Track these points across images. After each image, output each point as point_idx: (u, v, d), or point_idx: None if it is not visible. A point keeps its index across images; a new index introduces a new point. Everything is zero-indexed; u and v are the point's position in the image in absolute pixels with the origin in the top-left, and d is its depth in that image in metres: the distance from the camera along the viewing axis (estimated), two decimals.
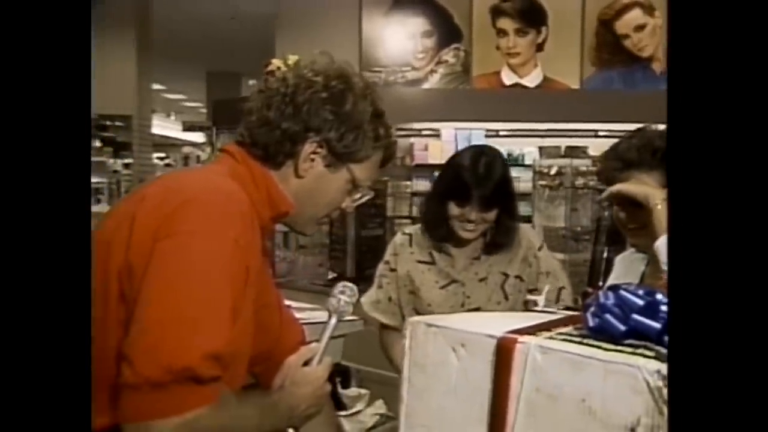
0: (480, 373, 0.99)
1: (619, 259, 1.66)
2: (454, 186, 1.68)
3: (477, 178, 1.64)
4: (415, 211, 5.70)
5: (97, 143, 8.04)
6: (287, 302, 2.93)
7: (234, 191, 1.06)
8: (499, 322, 1.13)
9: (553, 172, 5.41)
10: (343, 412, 1.84)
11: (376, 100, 1.17)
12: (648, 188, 1.34)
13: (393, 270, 1.82)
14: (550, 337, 0.97)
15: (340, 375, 1.97)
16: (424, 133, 6.37)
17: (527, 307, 1.62)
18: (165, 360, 0.89)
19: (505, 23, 6.69)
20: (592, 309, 0.95)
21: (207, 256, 0.98)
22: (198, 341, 0.91)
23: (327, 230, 4.34)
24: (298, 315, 2.52)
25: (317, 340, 1.18)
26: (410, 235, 1.82)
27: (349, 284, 1.21)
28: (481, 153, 1.71)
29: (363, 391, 2.07)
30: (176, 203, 1.01)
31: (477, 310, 1.69)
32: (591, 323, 0.94)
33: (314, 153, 1.14)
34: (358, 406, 1.98)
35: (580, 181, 5.41)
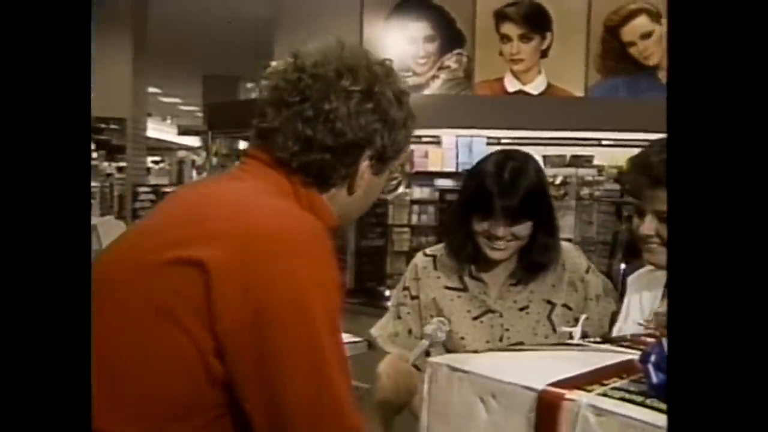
0: (515, 431, 0.83)
1: (634, 278, 1.51)
2: (476, 196, 1.48)
3: (501, 186, 1.43)
4: (414, 220, 5.56)
5: (92, 146, 7.88)
6: None
7: (312, 218, 0.97)
8: (536, 367, 0.99)
9: (558, 181, 5.31)
10: None
11: (397, 81, 1.09)
12: None
13: (414, 298, 1.57)
14: (604, 393, 0.83)
15: None
16: (425, 139, 6.28)
17: (561, 337, 1.46)
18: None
19: (509, 28, 6.60)
20: (655, 360, 0.81)
21: (325, 317, 0.89)
22: (348, 408, 0.90)
23: None
24: None
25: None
26: (434, 256, 1.59)
27: (445, 320, 1.32)
28: (508, 157, 1.50)
29: None
30: (269, 254, 0.88)
31: (520, 344, 1.47)
32: (654, 379, 0.79)
33: (368, 167, 1.08)
34: None
35: (585, 191, 5.31)
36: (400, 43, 6.69)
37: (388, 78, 1.07)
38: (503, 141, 6.96)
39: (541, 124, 6.25)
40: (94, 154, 7.86)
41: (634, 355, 0.91)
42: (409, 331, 1.54)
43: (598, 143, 5.75)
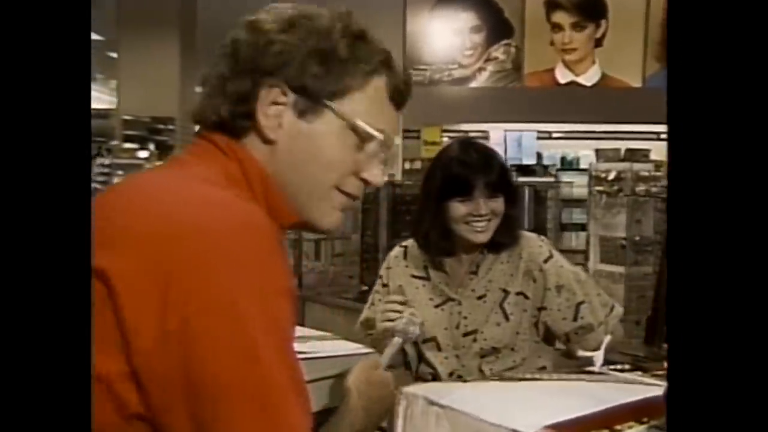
0: None
1: None
2: (452, 180, 1.50)
3: (475, 165, 1.49)
4: None
5: (152, 147, 7.98)
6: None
7: (251, 209, 0.79)
8: (533, 403, 0.78)
9: (611, 177, 5.01)
10: None
11: (350, 23, 0.87)
12: None
13: (385, 285, 1.65)
14: None
15: None
16: (472, 134, 6.08)
17: (581, 363, 1.25)
18: None
19: (561, 17, 6.32)
20: None
21: (266, 328, 0.72)
22: None
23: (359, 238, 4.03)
24: (303, 347, 2.21)
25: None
26: (406, 247, 1.66)
27: (415, 311, 1.22)
28: (471, 142, 1.59)
29: None
30: (188, 257, 0.71)
31: (474, 332, 1.53)
32: None
33: (276, 103, 0.83)
34: None
35: (641, 188, 5.00)
36: (445, 34, 6.51)
37: (336, 17, 0.86)
38: (554, 135, 6.73)
39: (594, 116, 5.99)
40: (145, 153, 7.95)
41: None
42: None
43: (657, 137, 5.54)
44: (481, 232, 1.50)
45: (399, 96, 0.89)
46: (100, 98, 12.27)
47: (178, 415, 0.70)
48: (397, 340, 1.15)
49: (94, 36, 9.25)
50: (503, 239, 1.54)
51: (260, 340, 0.70)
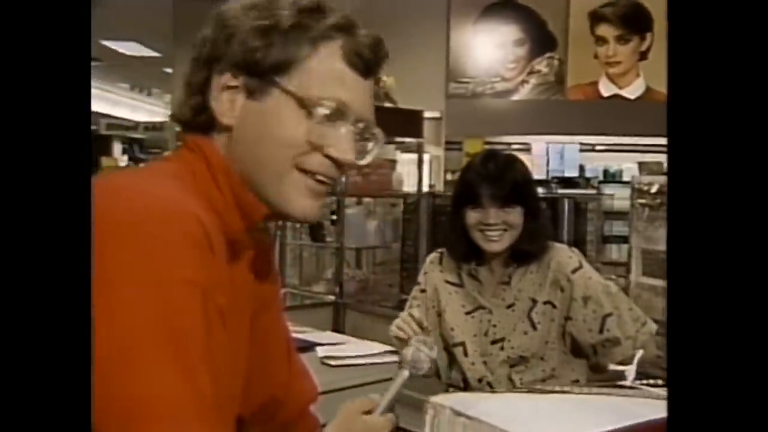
0: None
1: None
2: (465, 190, 1.55)
3: (488, 175, 1.51)
4: None
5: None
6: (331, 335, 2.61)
7: (177, 200, 0.73)
8: (560, 416, 0.76)
9: (653, 190, 4.87)
10: None
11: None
12: None
13: (423, 291, 1.67)
14: None
15: None
16: (514, 147, 6.03)
17: (613, 377, 1.21)
18: None
19: (606, 30, 6.21)
20: None
21: (149, 318, 0.66)
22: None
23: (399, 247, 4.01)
24: (340, 353, 2.20)
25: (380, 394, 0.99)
26: (442, 253, 1.67)
27: (430, 339, 1.06)
28: (494, 154, 1.60)
29: None
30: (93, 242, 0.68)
31: (502, 339, 1.54)
32: None
33: (228, 87, 0.79)
34: None
35: None
36: (488, 47, 6.46)
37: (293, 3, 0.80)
38: (598, 147, 6.61)
39: (637, 129, 5.84)
40: None
41: None
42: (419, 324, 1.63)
43: None
44: (495, 241, 1.51)
45: (359, 60, 0.79)
46: (156, 111, 12.60)
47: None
48: (405, 373, 1.01)
49: (150, 53, 9.50)
50: (526, 249, 1.54)
51: (135, 337, 0.66)
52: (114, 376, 0.65)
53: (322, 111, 0.77)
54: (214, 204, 0.77)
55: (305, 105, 0.77)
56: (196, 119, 0.81)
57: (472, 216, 1.52)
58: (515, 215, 1.50)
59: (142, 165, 1.02)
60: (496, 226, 1.50)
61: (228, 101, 0.78)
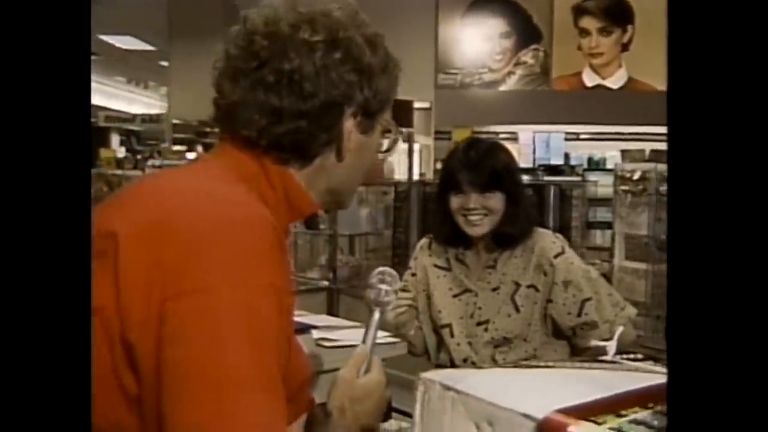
0: None
1: None
2: (448, 176, 1.57)
3: (468, 162, 1.53)
4: None
5: (200, 149, 8.09)
6: (327, 318, 2.64)
7: (253, 206, 0.78)
8: (546, 389, 0.79)
9: (636, 177, 4.91)
10: None
11: (365, 24, 0.85)
12: None
13: (414, 275, 1.69)
14: (617, 428, 0.62)
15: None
16: (502, 136, 6.03)
17: (594, 353, 1.24)
18: None
19: (588, 22, 6.22)
20: None
21: (241, 320, 0.69)
22: None
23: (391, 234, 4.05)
24: (334, 335, 2.23)
25: (363, 341, 0.99)
26: (431, 238, 1.70)
27: (388, 269, 1.03)
28: (476, 142, 1.61)
29: (404, 424, 1.76)
30: (179, 242, 0.70)
31: (486, 321, 1.56)
32: None
33: (354, 127, 0.86)
34: None
35: (665, 187, 4.89)
36: (475, 40, 6.47)
37: (354, 21, 0.83)
38: (582, 136, 6.64)
39: (620, 118, 5.88)
40: (193, 155, 8.05)
41: None
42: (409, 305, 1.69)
43: None
44: (476, 225, 1.53)
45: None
46: (152, 104, 12.53)
47: (158, 397, 0.67)
48: (375, 315, 0.99)
49: (147, 47, 9.44)
50: (507, 232, 1.55)
51: (230, 330, 0.68)
52: (211, 358, 0.67)
53: (396, 134, 0.92)
54: (267, 200, 0.81)
55: (390, 131, 0.91)
56: (305, 147, 0.85)
57: (454, 201, 1.54)
58: (495, 200, 1.52)
59: (188, 162, 1.05)
60: (477, 211, 1.52)
61: (349, 137, 0.85)
